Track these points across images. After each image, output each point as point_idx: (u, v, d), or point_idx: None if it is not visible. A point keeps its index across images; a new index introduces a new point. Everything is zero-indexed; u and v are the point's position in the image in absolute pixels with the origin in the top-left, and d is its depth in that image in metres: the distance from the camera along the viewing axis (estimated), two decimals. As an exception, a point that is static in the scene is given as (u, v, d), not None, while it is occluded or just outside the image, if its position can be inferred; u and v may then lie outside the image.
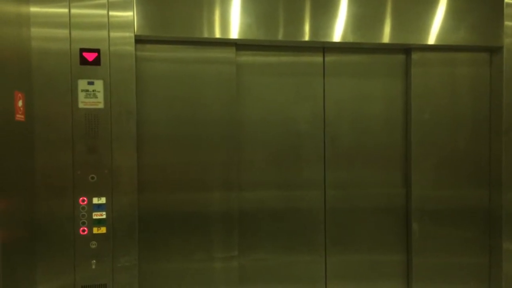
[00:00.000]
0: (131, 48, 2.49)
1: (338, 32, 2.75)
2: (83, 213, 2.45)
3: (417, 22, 2.82)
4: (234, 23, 2.64)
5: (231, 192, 2.74)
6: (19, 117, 2.13)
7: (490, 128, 3.02)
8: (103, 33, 2.45)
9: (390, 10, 2.79)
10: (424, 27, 2.83)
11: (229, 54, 2.72)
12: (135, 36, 2.50)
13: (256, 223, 2.84)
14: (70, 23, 2.41)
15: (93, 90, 2.44)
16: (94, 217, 2.46)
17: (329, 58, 2.89)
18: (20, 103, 2.13)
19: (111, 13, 2.46)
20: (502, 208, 2.93)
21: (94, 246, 2.46)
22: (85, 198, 2.45)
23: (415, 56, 2.91)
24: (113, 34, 2.46)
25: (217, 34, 2.62)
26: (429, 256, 2.97)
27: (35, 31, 2.38)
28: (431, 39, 2.84)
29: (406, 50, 2.94)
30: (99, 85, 2.44)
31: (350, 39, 2.76)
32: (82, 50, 2.42)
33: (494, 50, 2.97)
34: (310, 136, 2.89)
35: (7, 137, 1.94)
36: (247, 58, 2.79)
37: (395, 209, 3.00)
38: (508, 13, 2.89)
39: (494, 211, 3.00)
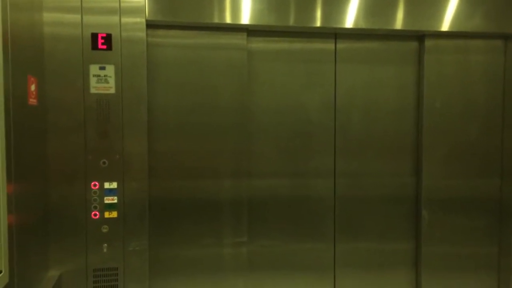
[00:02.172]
0: (142, 33, 2.49)
1: (350, 18, 2.72)
2: (95, 197, 2.47)
3: (430, 9, 2.78)
4: (245, 8, 2.62)
5: (241, 179, 2.75)
6: (32, 101, 2.14)
7: (503, 117, 2.99)
8: (115, 18, 2.45)
9: (403, -4, 2.76)
10: (438, 14, 2.79)
11: (240, 40, 2.70)
12: (146, 21, 2.50)
13: (265, 210, 2.84)
14: (81, 8, 2.42)
15: (104, 75, 2.44)
16: (106, 201, 2.48)
17: (341, 44, 2.86)
18: (33, 87, 2.14)
19: (122, -2, 2.46)
20: (513, 198, 2.92)
21: (105, 230, 2.49)
22: (96, 183, 2.47)
23: (428, 43, 2.87)
24: (125, 19, 2.46)
25: (228, 20, 2.61)
26: (438, 245, 2.96)
27: (47, 16, 2.38)
28: (445, 26, 2.80)
29: (419, 37, 2.91)
30: (110, 70, 2.45)
31: (362, 25, 2.73)
32: (93, 35, 2.42)
33: (509, 37, 2.92)
34: (320, 124, 2.88)
35: (21, 121, 1.95)
36: (258, 44, 2.78)
37: (405, 198, 2.99)
38: (524, 0, 2.84)
39: (505, 201, 2.98)
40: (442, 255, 2.97)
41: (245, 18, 2.63)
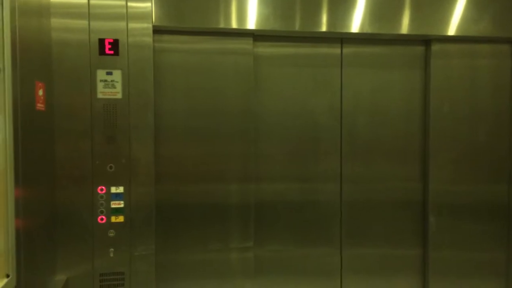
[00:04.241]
0: (149, 38, 2.50)
1: (356, 23, 2.72)
2: (102, 202, 2.48)
3: (437, 13, 2.78)
4: (251, 13, 2.63)
5: (247, 183, 2.75)
6: (40, 106, 2.16)
7: (511, 122, 2.97)
8: (122, 24, 2.46)
9: (409, 1, 2.76)
10: (444, 18, 2.79)
11: (246, 45, 2.71)
12: (153, 26, 2.52)
13: (272, 214, 2.84)
14: (89, 13, 2.44)
15: (111, 80, 2.46)
16: (112, 206, 2.49)
17: (347, 49, 2.86)
18: (40, 93, 2.16)
19: (129, 3, 2.47)
20: (521, 204, 2.89)
21: (112, 234, 2.50)
22: (103, 187, 2.48)
23: (435, 47, 2.87)
24: (132, 24, 2.48)
25: (234, 25, 2.62)
26: (446, 251, 2.94)
27: (55, 21, 2.40)
28: (451, 30, 2.79)
29: (425, 42, 2.90)
30: (117, 75, 2.46)
31: (368, 30, 2.73)
32: (101, 40, 2.44)
33: (516, 42, 2.91)
34: (327, 129, 2.88)
35: (28, 126, 1.96)
36: (264, 49, 2.79)
37: (412, 203, 2.97)
38: (531, 4, 2.83)
39: (513, 206, 2.95)
40: (450, 260, 2.95)
41: (251, 23, 2.64)
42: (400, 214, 2.96)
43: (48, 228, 2.32)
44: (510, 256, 2.99)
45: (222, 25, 2.62)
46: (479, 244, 2.99)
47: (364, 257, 2.94)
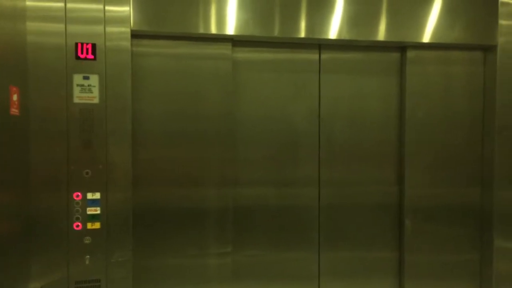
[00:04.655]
0: (127, 43, 2.48)
1: (334, 29, 2.75)
2: (77, 208, 2.44)
3: (412, 20, 2.83)
4: (230, 19, 2.63)
5: (226, 188, 2.75)
6: (14, 111, 2.11)
7: (483, 127, 3.04)
8: (99, 28, 2.43)
9: (385, 8, 2.80)
10: (419, 25, 2.84)
11: (225, 50, 2.72)
12: (131, 31, 2.50)
13: (250, 219, 2.84)
14: (66, 17, 2.40)
15: (88, 85, 2.42)
16: (88, 212, 2.45)
17: (325, 55, 2.89)
18: (15, 97, 2.12)
19: (107, 7, 2.44)
20: (493, 206, 2.96)
21: (88, 241, 2.46)
22: (79, 194, 2.44)
23: (410, 54, 2.92)
24: (109, 29, 2.45)
25: (213, 30, 2.62)
26: (421, 254, 2.99)
27: (30, 25, 2.36)
28: (426, 37, 2.85)
29: (401, 48, 2.95)
30: (94, 80, 2.43)
31: (346, 36, 2.77)
32: (77, 44, 2.40)
33: (488, 49, 2.99)
34: (305, 133, 2.90)
35: (2, 131, 1.92)
36: (243, 54, 2.79)
37: (389, 206, 3.01)
38: (502, 12, 2.90)
39: (486, 209, 3.02)
40: (425, 263, 3.00)
41: (230, 28, 2.64)
42: (377, 218, 3.00)
43: (22, 235, 2.27)
44: (484, 258, 3.06)
45: (201, 30, 2.61)
46: (454, 246, 3.04)
47: (342, 260, 2.97)
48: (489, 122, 3.00)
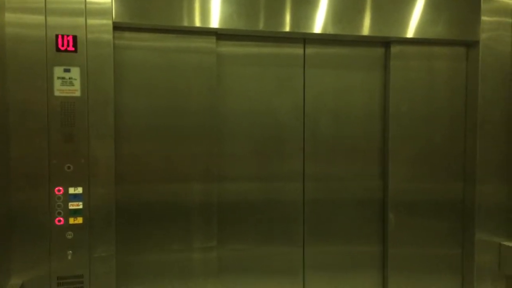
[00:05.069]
0: (108, 35, 2.45)
1: (318, 23, 2.75)
2: (59, 203, 2.41)
3: (396, 16, 2.84)
4: (214, 12, 2.61)
5: (210, 183, 2.74)
6: (-8, 104, 2.07)
7: (466, 121, 3.08)
8: (80, 20, 2.40)
9: (370, 3, 2.81)
10: (403, 21, 2.86)
11: (209, 43, 2.70)
12: (113, 23, 2.46)
13: (235, 214, 2.84)
14: (46, 9, 2.36)
15: (69, 78, 2.39)
16: (70, 207, 2.42)
17: (310, 49, 2.89)
18: (-7, 90, 2.08)
19: (88, -1, 2.41)
20: (475, 201, 3.00)
21: (70, 236, 2.43)
22: (61, 188, 2.41)
23: (394, 49, 2.94)
24: (90, 20, 2.41)
25: (197, 23, 2.60)
26: (404, 247, 3.02)
27: (9, 16, 2.31)
28: (410, 33, 2.87)
29: (385, 43, 2.97)
30: (75, 72, 2.39)
31: (331, 31, 2.77)
32: (58, 36, 2.37)
33: (471, 45, 3.02)
34: (290, 128, 2.90)
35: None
36: (227, 48, 2.78)
37: (373, 201, 3.04)
38: (485, 8, 2.93)
39: (468, 203, 3.06)
40: (408, 257, 3.03)
41: (215, 21, 2.62)
42: (361, 212, 3.02)
43: (2, 230, 2.24)
44: (466, 251, 3.10)
45: (185, 23, 2.59)
46: (436, 240, 3.08)
47: (326, 254, 2.98)
48: (472, 117, 3.03)
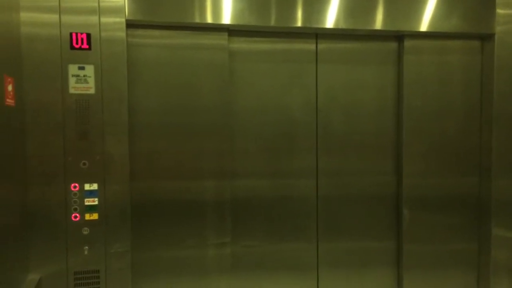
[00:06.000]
0: (122, 33, 2.47)
1: (330, 18, 2.74)
2: (75, 199, 2.44)
3: (409, 9, 2.82)
4: (226, 8, 2.62)
5: (224, 179, 2.75)
6: (9, 101, 2.10)
7: (481, 116, 3.04)
8: (94, 18, 2.42)
9: (382, -3, 2.79)
10: (417, 14, 2.83)
11: (221, 40, 2.70)
12: (126, 20, 2.48)
13: (249, 210, 2.84)
14: (60, 7, 2.39)
15: (84, 75, 2.42)
16: (86, 203, 2.45)
17: (322, 45, 2.88)
18: (10, 88, 2.11)
19: (101, -3, 2.43)
20: (491, 196, 2.97)
21: (86, 232, 2.46)
22: (76, 185, 2.44)
23: (407, 43, 2.91)
24: (104, 19, 2.44)
25: (209, 19, 2.61)
26: (419, 243, 3.00)
27: (24, 15, 2.35)
28: (424, 26, 2.84)
29: (398, 37, 2.94)
30: (90, 70, 2.42)
31: (343, 25, 2.75)
32: (72, 34, 2.39)
33: (486, 38, 2.98)
34: (302, 124, 2.89)
35: (-3, 122, 1.92)
36: (239, 44, 2.78)
37: (386, 196, 3.02)
38: (500, 1, 2.89)
39: (484, 198, 3.03)
40: (423, 252, 3.01)
41: (226, 18, 2.62)
42: (375, 208, 3.00)
43: (19, 227, 2.27)
44: (482, 247, 3.07)
45: (196, 19, 2.60)
46: (451, 236, 3.05)
47: (340, 251, 2.97)
48: (487, 111, 2.99)
